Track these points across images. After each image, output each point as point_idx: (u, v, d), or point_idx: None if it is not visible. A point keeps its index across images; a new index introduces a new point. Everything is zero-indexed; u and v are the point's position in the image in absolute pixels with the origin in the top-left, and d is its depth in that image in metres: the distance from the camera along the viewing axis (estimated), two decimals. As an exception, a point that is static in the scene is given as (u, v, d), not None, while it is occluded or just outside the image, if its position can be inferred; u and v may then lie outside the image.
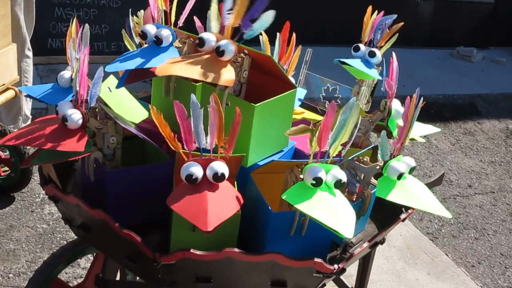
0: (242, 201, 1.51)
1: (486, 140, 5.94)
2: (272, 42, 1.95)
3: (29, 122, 4.01)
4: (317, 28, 7.25)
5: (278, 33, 1.91)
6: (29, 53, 3.83)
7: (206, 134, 1.47)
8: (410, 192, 1.64)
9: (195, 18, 1.83)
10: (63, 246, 2.23)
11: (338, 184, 1.51)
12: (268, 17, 1.68)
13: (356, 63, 2.07)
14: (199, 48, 1.67)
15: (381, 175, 1.67)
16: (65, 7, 5.41)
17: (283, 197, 1.48)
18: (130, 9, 1.87)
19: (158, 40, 1.67)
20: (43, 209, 3.67)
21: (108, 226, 1.52)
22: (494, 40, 8.91)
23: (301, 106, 2.13)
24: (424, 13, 8.29)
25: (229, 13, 1.70)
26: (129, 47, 1.91)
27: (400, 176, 1.63)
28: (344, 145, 1.54)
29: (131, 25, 1.88)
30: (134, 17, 1.88)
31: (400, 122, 1.70)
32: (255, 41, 1.83)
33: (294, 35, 1.93)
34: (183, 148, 1.49)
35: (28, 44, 3.82)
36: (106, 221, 1.52)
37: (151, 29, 1.71)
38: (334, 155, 1.54)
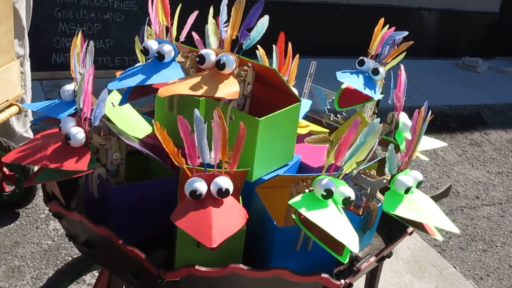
0: (247, 217, 1.49)
1: (493, 151, 5.91)
2: (269, 55, 1.94)
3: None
4: (321, 40, 7.25)
5: (274, 45, 1.90)
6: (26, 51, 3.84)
7: (210, 149, 1.46)
8: (417, 206, 1.63)
9: (193, 33, 1.82)
10: (68, 263, 2.22)
11: (346, 201, 1.49)
12: (263, 23, 1.67)
13: (356, 83, 2.03)
14: (199, 65, 1.66)
15: (387, 188, 1.66)
16: (69, 22, 5.42)
17: (290, 203, 1.46)
18: (147, 18, 1.87)
19: (160, 56, 1.66)
20: (48, 225, 3.65)
21: (112, 243, 1.51)
22: (499, 50, 8.90)
23: (306, 119, 2.12)
24: (429, 24, 8.29)
25: (225, 26, 1.69)
26: (139, 57, 1.90)
27: (407, 190, 1.61)
28: (358, 163, 1.53)
29: (145, 35, 1.87)
30: (148, 27, 1.87)
31: (408, 135, 1.69)
32: (252, 54, 1.83)
33: (289, 45, 1.92)
34: (187, 164, 1.48)
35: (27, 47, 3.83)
36: (110, 238, 1.51)
37: (153, 44, 1.70)
38: (347, 171, 1.53)
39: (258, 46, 1.86)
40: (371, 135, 1.50)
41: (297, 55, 1.98)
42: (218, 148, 1.46)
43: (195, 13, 1.78)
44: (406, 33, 2.08)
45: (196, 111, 1.43)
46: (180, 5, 1.81)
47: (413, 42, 2.09)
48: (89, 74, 1.57)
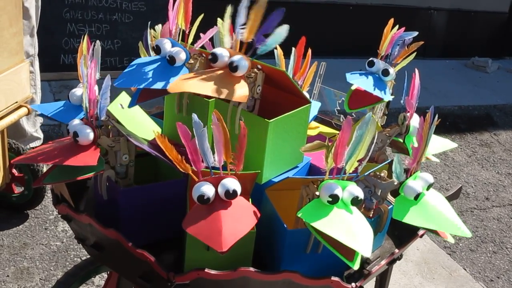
0: (258, 215, 1.48)
1: (503, 151, 5.88)
2: (286, 55, 1.92)
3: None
4: (330, 40, 7.23)
5: (293, 48, 1.88)
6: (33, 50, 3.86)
7: (214, 152, 1.45)
8: (427, 212, 1.61)
9: (201, 34, 1.81)
10: (76, 265, 2.21)
11: (355, 201, 1.48)
12: (282, 31, 1.65)
13: (365, 85, 2.02)
14: (211, 63, 1.65)
15: (398, 191, 1.64)
16: (77, 23, 5.42)
17: (299, 215, 1.45)
18: (149, 22, 1.85)
19: (171, 60, 1.64)
20: (57, 226, 3.65)
21: (121, 246, 1.50)
22: (509, 50, 8.87)
23: (315, 120, 2.10)
24: (438, 24, 8.26)
25: (242, 28, 1.67)
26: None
27: (417, 196, 1.59)
28: (360, 161, 1.51)
29: (148, 38, 1.86)
30: (152, 30, 1.86)
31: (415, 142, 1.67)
32: (269, 54, 1.81)
33: (309, 50, 1.90)
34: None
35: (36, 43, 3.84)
36: (119, 241, 1.50)
37: (166, 45, 1.68)
38: (351, 171, 1.51)
39: (277, 46, 1.83)
40: (365, 130, 1.47)
41: (316, 62, 1.96)
42: (221, 150, 1.45)
43: (215, 29, 1.75)
44: (416, 33, 2.05)
45: (194, 116, 1.42)
46: (202, 15, 1.78)
47: (423, 42, 2.07)
48: (91, 68, 1.57)
